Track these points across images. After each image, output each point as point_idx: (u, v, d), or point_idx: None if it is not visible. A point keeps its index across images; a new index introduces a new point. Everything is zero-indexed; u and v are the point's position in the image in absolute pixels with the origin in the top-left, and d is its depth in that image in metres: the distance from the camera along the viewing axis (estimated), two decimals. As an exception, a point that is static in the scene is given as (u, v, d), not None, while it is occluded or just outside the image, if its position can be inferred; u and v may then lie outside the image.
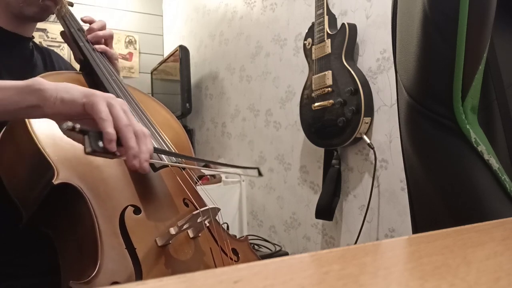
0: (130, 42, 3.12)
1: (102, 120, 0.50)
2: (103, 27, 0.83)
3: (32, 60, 0.82)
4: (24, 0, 0.74)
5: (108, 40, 0.83)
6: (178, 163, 0.67)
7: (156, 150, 0.60)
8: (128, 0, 3.17)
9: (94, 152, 0.48)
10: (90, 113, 0.51)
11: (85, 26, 0.85)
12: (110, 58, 0.83)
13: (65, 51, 2.78)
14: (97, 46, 0.81)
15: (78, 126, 0.45)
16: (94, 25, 0.83)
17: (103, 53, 0.82)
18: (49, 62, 0.87)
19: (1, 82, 0.53)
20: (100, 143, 0.49)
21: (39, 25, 0.93)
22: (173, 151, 0.72)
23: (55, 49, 0.95)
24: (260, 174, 0.75)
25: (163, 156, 0.64)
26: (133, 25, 3.16)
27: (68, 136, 0.55)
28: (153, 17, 3.27)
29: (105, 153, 0.50)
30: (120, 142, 0.51)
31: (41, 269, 0.69)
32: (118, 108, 0.52)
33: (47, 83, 0.53)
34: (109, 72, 0.75)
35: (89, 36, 0.82)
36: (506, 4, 0.65)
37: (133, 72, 3.11)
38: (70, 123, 0.45)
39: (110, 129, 0.49)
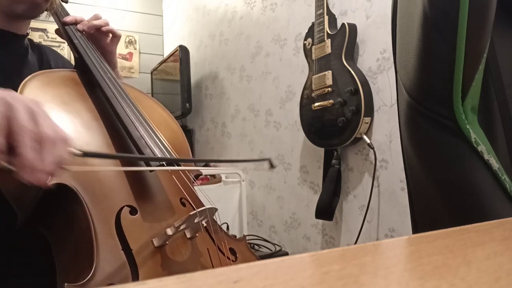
0: (130, 42, 3.12)
1: None
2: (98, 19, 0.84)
3: (26, 57, 0.81)
4: None
5: (101, 31, 0.83)
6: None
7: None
8: (128, 0, 3.17)
9: None
10: None
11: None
12: (106, 50, 0.84)
13: (65, 51, 2.78)
14: (104, 28, 0.82)
15: None
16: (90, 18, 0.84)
17: (88, 36, 0.81)
18: (45, 60, 0.86)
19: None
20: None
21: (39, 25, 0.92)
22: (169, 150, 0.71)
23: (55, 49, 0.94)
24: (272, 166, 0.69)
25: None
26: (133, 25, 3.16)
27: None
28: (153, 17, 3.27)
29: None
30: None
31: (38, 269, 0.69)
32: (18, 110, 0.44)
33: None
34: (104, 70, 0.75)
35: (78, 26, 0.82)
36: (506, 4, 0.65)
37: (133, 72, 3.11)
38: None
39: None
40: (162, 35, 3.28)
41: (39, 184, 0.44)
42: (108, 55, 0.85)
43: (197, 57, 2.69)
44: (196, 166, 0.73)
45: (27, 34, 0.85)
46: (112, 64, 0.86)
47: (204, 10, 2.61)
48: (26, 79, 0.64)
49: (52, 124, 0.46)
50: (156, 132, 0.70)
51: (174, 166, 0.66)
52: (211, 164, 2.29)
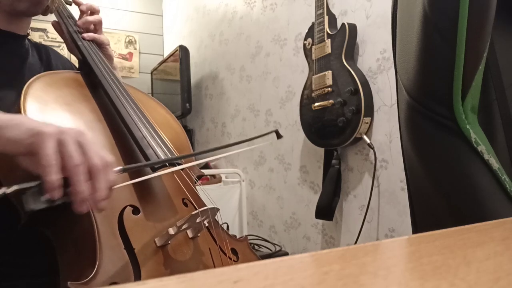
0: (130, 42, 3.12)
1: (43, 167, 0.45)
2: (93, 10, 0.85)
3: (27, 58, 0.82)
4: None
5: (97, 26, 0.84)
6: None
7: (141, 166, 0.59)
8: (128, 0, 3.17)
9: (38, 209, 0.43)
10: (35, 156, 0.46)
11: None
12: (101, 45, 0.84)
13: (64, 51, 2.78)
14: (85, 35, 0.82)
15: (8, 191, 0.42)
16: (83, 7, 0.85)
17: (93, 41, 0.82)
18: (45, 60, 0.86)
19: None
20: (43, 197, 0.44)
21: (39, 25, 0.93)
22: (171, 150, 0.71)
23: (56, 49, 0.94)
24: (278, 136, 0.70)
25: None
26: (133, 25, 3.16)
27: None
28: (153, 17, 3.27)
29: (54, 203, 0.45)
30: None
31: (40, 269, 0.69)
32: (68, 145, 0.47)
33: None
34: (107, 72, 0.75)
35: (78, 22, 0.83)
36: (506, 4, 0.65)
37: (133, 72, 3.11)
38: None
39: (50, 177, 0.45)
40: (162, 35, 3.28)
41: (99, 210, 0.49)
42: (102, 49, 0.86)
43: (197, 57, 2.69)
44: (198, 163, 0.73)
45: (28, 34, 0.85)
46: (108, 56, 0.87)
47: (204, 10, 2.61)
48: (30, 80, 0.65)
49: (97, 151, 0.50)
50: (159, 133, 0.70)
51: (177, 165, 0.66)
52: (212, 164, 2.29)
